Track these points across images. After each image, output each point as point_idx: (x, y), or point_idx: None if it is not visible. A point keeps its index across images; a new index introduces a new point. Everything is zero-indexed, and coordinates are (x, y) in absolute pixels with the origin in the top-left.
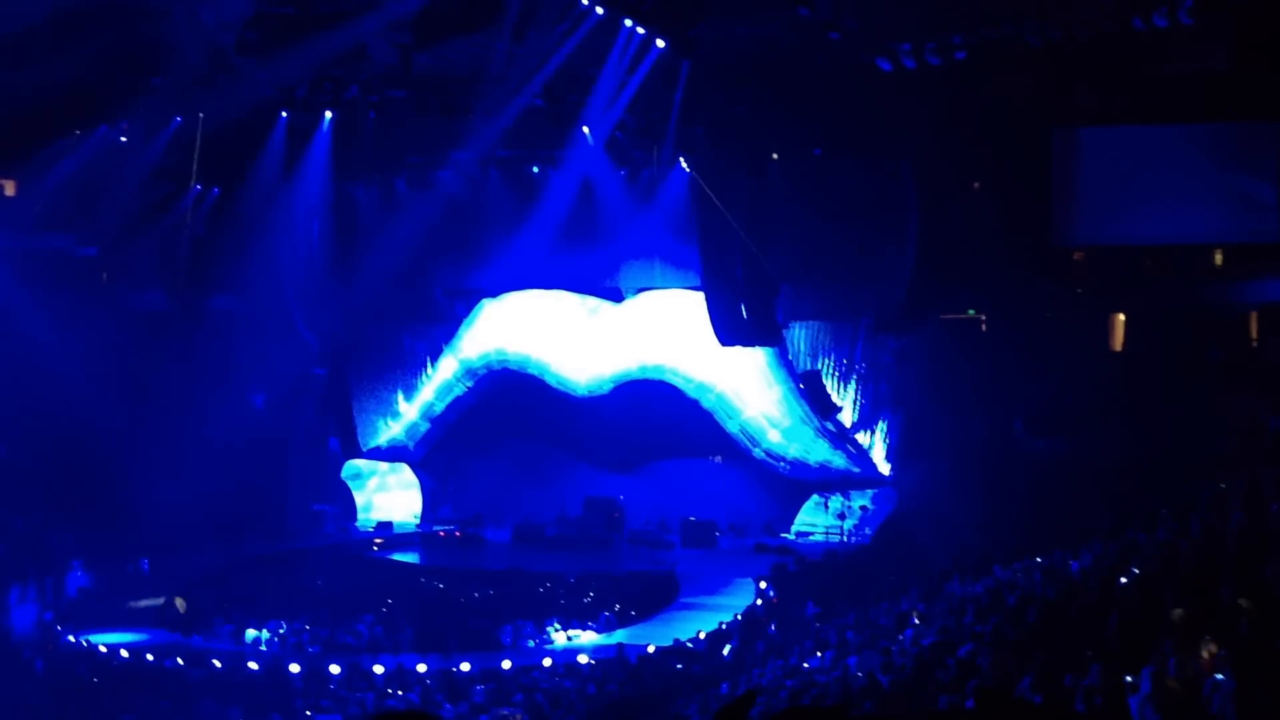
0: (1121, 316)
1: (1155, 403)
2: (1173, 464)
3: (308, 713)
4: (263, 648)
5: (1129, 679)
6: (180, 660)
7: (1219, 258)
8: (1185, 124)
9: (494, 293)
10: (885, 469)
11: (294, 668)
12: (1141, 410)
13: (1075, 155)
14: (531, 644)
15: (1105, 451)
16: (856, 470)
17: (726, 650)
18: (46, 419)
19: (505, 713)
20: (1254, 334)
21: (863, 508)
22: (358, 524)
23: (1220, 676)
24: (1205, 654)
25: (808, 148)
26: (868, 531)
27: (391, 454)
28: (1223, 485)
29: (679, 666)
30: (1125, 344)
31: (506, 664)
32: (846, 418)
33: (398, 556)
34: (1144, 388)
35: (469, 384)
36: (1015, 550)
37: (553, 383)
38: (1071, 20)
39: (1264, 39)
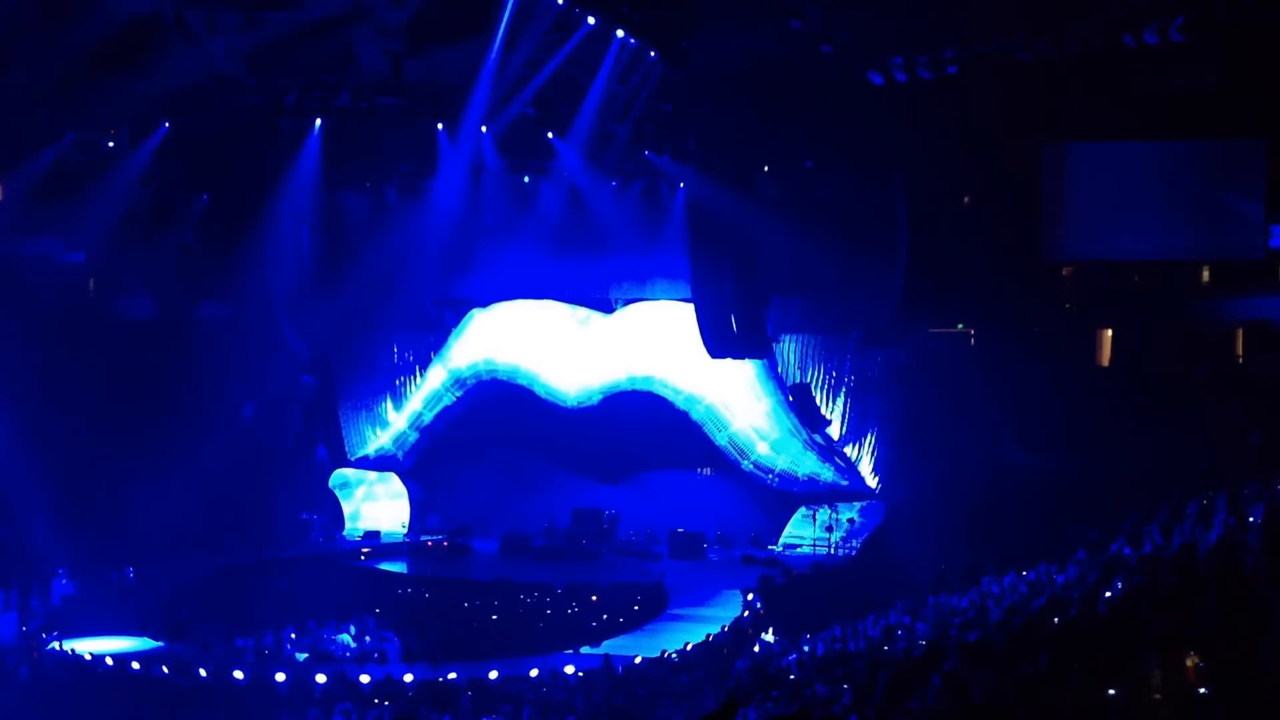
0: (1109, 332)
1: (1141, 418)
2: (1158, 478)
3: None
4: (249, 657)
5: (1112, 692)
6: (166, 669)
7: (1205, 274)
8: (1174, 140)
9: (484, 302)
10: (873, 482)
11: (280, 677)
12: (1128, 425)
13: (1065, 171)
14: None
15: (1091, 466)
16: (844, 483)
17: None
18: (32, 426)
19: None
20: (1239, 350)
21: (850, 520)
22: (345, 533)
23: (1203, 690)
24: (1188, 667)
25: (799, 160)
26: (855, 544)
27: (379, 463)
28: (1205, 500)
29: (665, 677)
30: (1112, 359)
31: (493, 674)
32: (835, 430)
33: (385, 566)
34: (1130, 403)
35: (458, 394)
36: (1001, 563)
37: (542, 393)
38: (1063, 36)
39: (1252, 57)
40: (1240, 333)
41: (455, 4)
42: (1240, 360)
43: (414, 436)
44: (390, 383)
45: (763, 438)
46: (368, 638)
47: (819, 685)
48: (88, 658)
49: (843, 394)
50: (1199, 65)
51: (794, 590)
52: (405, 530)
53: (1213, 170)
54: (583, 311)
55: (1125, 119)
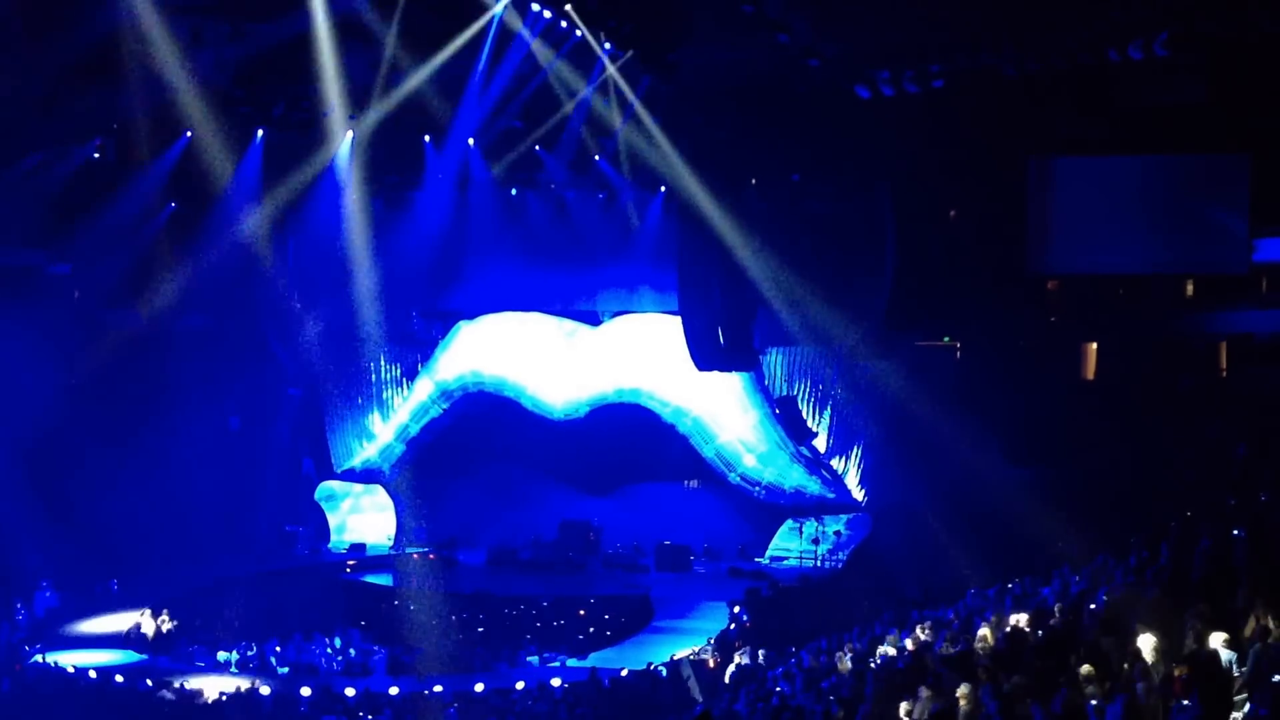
0: (1094, 345)
1: (1126, 431)
2: (1143, 491)
3: None
4: (233, 669)
5: (1095, 703)
6: (149, 682)
7: (1190, 288)
8: (1159, 155)
9: (470, 315)
10: (859, 494)
11: (264, 690)
12: (1113, 438)
13: (1050, 185)
14: (506, 667)
15: (1077, 479)
16: (831, 495)
17: None
18: (16, 437)
19: None
20: (1223, 364)
21: (837, 533)
22: (330, 545)
23: (1187, 702)
24: (1173, 679)
25: (786, 173)
26: (841, 557)
27: (365, 475)
28: (1190, 512)
29: (651, 690)
30: (1097, 372)
31: (479, 687)
32: (822, 443)
33: (370, 578)
34: (1115, 416)
35: (444, 406)
36: (987, 576)
37: (529, 406)
38: (1048, 51)
39: (1237, 72)
40: (1224, 346)
41: (443, 16)
42: (1224, 373)
43: (400, 449)
44: (377, 395)
45: (749, 450)
46: (352, 650)
47: (804, 697)
48: (71, 670)
49: (829, 407)
50: (1184, 80)
51: (781, 603)
52: (391, 543)
53: (1197, 185)
54: (569, 324)
55: (1110, 133)
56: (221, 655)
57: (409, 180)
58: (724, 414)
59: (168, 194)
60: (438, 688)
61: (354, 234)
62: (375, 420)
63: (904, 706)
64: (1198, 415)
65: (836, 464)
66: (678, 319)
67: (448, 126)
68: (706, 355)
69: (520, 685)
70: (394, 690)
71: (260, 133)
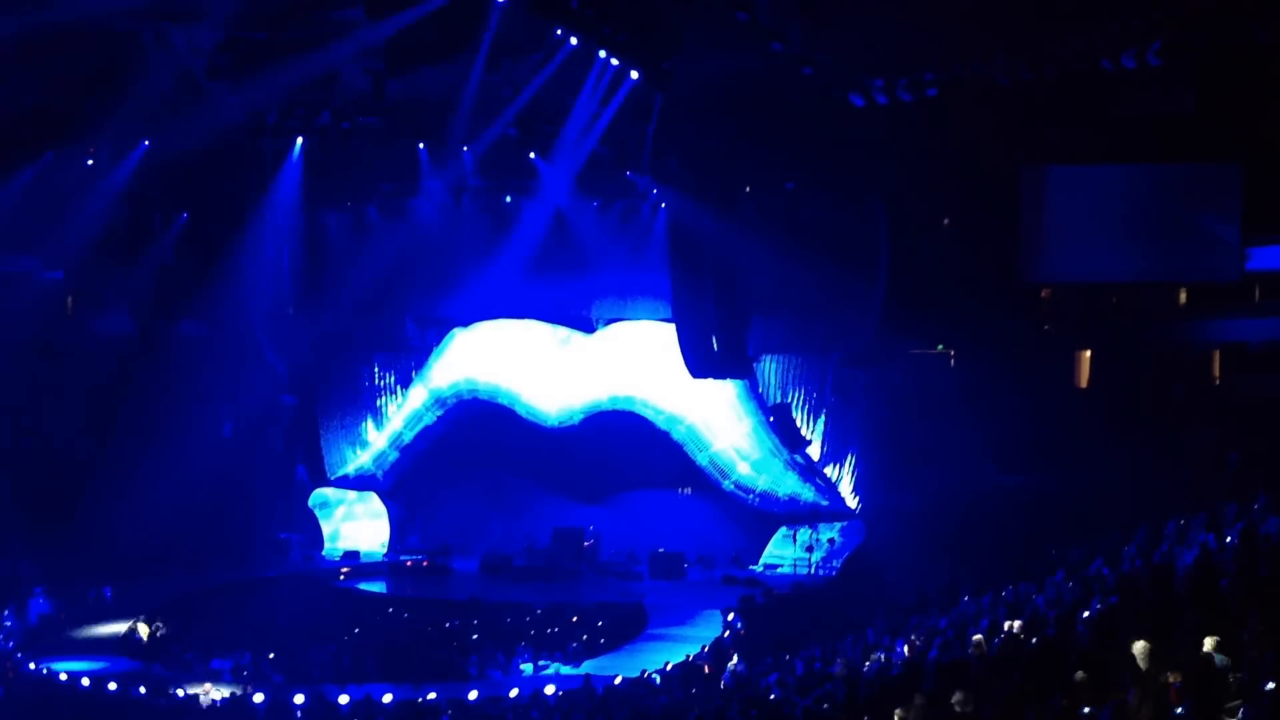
0: (1087, 353)
1: (1120, 438)
2: (1136, 499)
3: None
4: (227, 676)
5: (1088, 709)
6: (143, 689)
7: (1183, 296)
8: (1151, 164)
9: (465, 322)
10: (853, 502)
11: (258, 697)
12: (1106, 446)
13: (1043, 193)
14: (500, 674)
15: (1070, 486)
16: (825, 503)
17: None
18: (9, 444)
19: None
20: (1216, 372)
21: (830, 540)
22: (324, 553)
23: (1181, 709)
24: (1166, 686)
25: (780, 181)
26: (835, 564)
27: (359, 483)
28: (1182, 520)
29: (645, 698)
30: (1091, 380)
31: (473, 694)
32: (815, 451)
33: (364, 586)
34: (1109, 423)
35: (438, 413)
36: (980, 583)
37: (523, 413)
38: (1042, 60)
39: (1228, 82)
40: (1217, 354)
41: (437, 23)
42: (1217, 381)
43: (394, 456)
44: (371, 402)
45: (743, 458)
46: (345, 658)
47: (799, 705)
48: (63, 677)
49: (823, 414)
50: (1176, 89)
51: (774, 610)
52: (385, 550)
53: (1190, 193)
54: (564, 331)
55: (1103, 142)
56: (215, 662)
57: (404, 188)
58: (718, 421)
59: (161, 201)
60: (431, 695)
61: (348, 241)
62: (369, 427)
63: (898, 713)
64: (1191, 423)
65: (830, 471)
66: (672, 326)
67: (443, 134)
68: (700, 362)
69: (514, 693)
70: (388, 698)
71: (256, 140)
